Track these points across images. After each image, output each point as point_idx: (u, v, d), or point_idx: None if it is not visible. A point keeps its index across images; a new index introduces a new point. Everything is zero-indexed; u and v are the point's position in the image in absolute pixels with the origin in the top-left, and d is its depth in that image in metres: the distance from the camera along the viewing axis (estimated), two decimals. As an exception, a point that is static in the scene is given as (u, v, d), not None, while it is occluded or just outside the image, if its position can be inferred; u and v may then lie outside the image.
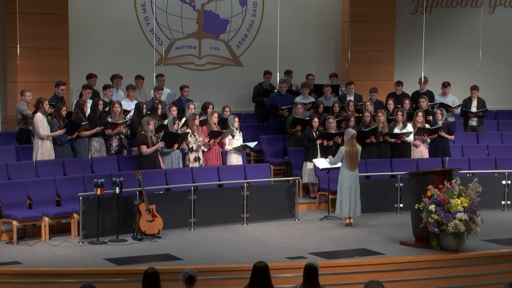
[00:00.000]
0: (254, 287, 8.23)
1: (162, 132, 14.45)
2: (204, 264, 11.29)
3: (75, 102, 15.07)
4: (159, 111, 15.03)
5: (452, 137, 16.41)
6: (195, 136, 14.71)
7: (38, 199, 13.01)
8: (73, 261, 11.46)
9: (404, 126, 15.95)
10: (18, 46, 15.73)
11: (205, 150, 14.86)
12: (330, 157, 14.93)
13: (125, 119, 14.80)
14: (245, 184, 14.26)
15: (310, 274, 8.30)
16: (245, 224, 14.13)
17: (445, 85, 17.84)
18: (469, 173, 15.57)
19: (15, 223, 12.43)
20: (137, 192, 13.21)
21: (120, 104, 14.78)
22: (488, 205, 14.91)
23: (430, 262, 11.90)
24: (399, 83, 17.73)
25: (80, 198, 12.61)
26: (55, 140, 14.03)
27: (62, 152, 14.09)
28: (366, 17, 18.69)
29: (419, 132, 15.94)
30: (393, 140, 15.89)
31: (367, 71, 18.65)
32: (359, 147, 13.98)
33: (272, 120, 17.19)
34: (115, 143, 14.63)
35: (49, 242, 12.55)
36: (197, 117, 14.93)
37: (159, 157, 14.26)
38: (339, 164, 14.19)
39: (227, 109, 15.67)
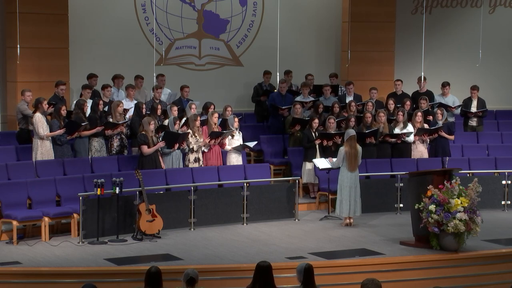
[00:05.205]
0: (256, 286, 8.24)
1: (163, 132, 14.45)
2: (204, 264, 11.29)
3: (75, 102, 15.08)
4: (159, 111, 15.03)
5: (452, 137, 16.41)
6: (195, 136, 14.71)
7: (38, 199, 13.01)
8: (73, 261, 11.46)
9: (405, 126, 15.95)
10: (18, 46, 15.73)
11: (206, 150, 14.87)
12: (331, 160, 14.91)
13: (125, 119, 14.80)
14: (245, 184, 14.26)
15: (310, 275, 8.30)
16: (245, 224, 14.13)
17: (445, 85, 17.85)
18: (469, 173, 15.57)
19: (15, 223, 12.44)
20: (137, 192, 13.21)
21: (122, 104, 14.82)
22: (488, 205, 14.91)
23: (430, 262, 11.90)
24: (398, 80, 17.76)
25: (80, 198, 12.61)
26: (55, 140, 14.03)
27: (62, 152, 14.09)
28: (366, 17, 18.69)
29: (419, 132, 15.95)
30: (393, 140, 15.90)
31: (367, 71, 18.66)
32: (359, 148, 13.97)
33: (272, 120, 17.19)
34: (116, 143, 14.63)
35: (49, 242, 12.55)
36: (199, 118, 14.93)
37: (160, 157, 14.27)
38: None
39: (229, 109, 15.65)
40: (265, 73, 17.88)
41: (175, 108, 15.02)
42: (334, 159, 14.48)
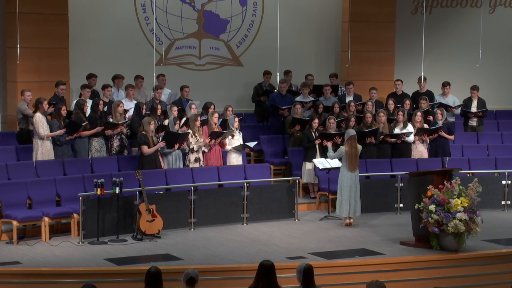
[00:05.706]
0: (259, 285, 8.24)
1: (163, 132, 14.45)
2: (204, 264, 11.29)
3: (75, 102, 15.08)
4: (159, 111, 15.03)
5: (452, 137, 16.41)
6: (196, 136, 14.71)
7: (38, 199, 13.01)
8: (73, 261, 11.46)
9: (405, 126, 15.95)
10: (18, 46, 15.73)
11: (206, 150, 14.87)
12: (330, 146, 14.87)
13: (125, 119, 14.80)
14: (245, 184, 14.26)
15: (310, 275, 8.31)
16: (245, 224, 14.13)
17: (445, 84, 17.86)
18: (469, 173, 15.57)
19: (15, 223, 12.44)
20: (137, 192, 13.21)
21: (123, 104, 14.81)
22: (488, 205, 14.91)
23: (430, 262, 11.90)
24: (398, 80, 17.78)
25: (80, 198, 12.61)
26: (54, 141, 14.02)
27: (62, 152, 14.08)
28: (366, 17, 18.69)
29: (419, 132, 15.95)
30: (393, 140, 15.90)
31: (367, 71, 18.66)
32: (359, 148, 13.97)
33: (272, 120, 17.19)
34: (116, 143, 14.63)
35: (49, 242, 12.55)
36: (199, 118, 14.93)
37: (160, 157, 14.26)
38: (339, 164, 14.21)
39: (230, 109, 15.64)
40: (265, 73, 17.88)
41: (175, 108, 15.02)
42: (330, 146, 14.60)
